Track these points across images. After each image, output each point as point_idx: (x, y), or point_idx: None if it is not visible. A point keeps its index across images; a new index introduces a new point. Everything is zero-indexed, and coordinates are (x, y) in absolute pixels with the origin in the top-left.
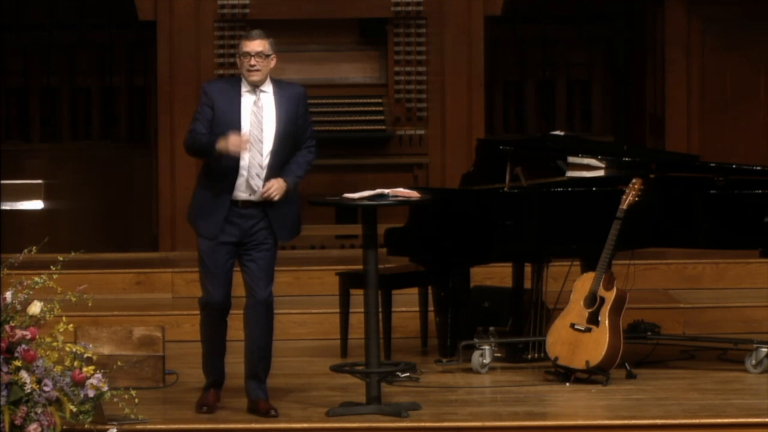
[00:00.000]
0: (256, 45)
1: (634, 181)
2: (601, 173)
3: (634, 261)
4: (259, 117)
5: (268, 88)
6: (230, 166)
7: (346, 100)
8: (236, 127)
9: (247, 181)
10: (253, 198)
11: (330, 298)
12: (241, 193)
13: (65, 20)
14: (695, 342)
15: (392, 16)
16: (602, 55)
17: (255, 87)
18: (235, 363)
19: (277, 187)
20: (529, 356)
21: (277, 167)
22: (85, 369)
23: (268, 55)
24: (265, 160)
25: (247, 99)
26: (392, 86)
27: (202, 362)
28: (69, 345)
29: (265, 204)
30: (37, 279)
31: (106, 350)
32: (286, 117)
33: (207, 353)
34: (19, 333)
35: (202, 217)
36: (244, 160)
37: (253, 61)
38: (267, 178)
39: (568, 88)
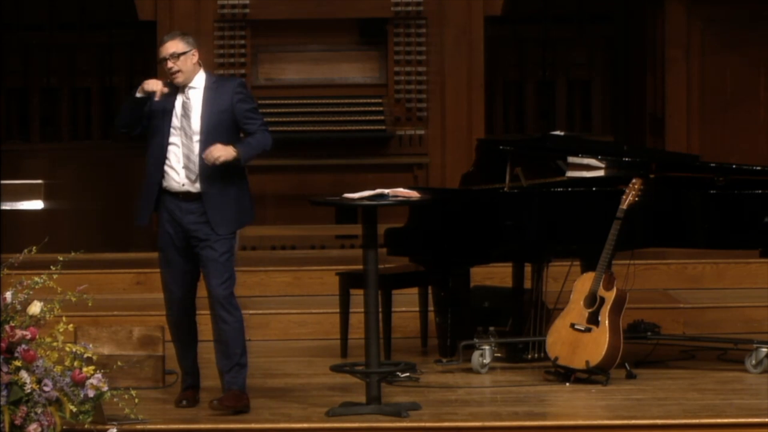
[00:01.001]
0: (169, 48)
1: (634, 181)
2: (601, 173)
3: (634, 261)
4: (187, 112)
5: (198, 83)
6: (160, 156)
7: (346, 100)
8: (167, 123)
9: (184, 174)
10: (191, 189)
11: (330, 298)
12: (177, 184)
13: (65, 20)
14: (695, 342)
15: (392, 16)
16: (602, 55)
17: (184, 85)
18: None
19: (220, 148)
20: (529, 356)
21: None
22: (85, 369)
23: (183, 53)
24: (197, 152)
25: (179, 96)
26: (392, 86)
27: (177, 361)
28: (69, 345)
29: (203, 196)
30: (37, 279)
31: (106, 350)
32: (214, 108)
33: (178, 354)
34: (19, 333)
35: (141, 204)
36: (178, 154)
37: (169, 64)
38: (202, 169)
39: (568, 88)
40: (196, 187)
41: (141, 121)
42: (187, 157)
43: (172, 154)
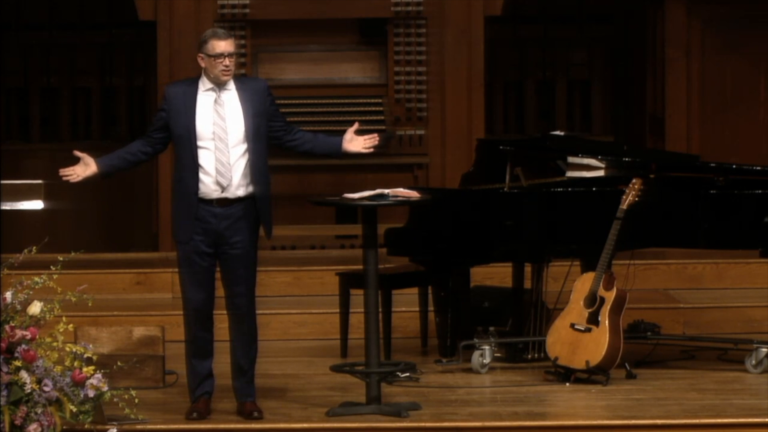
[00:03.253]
0: (230, 45)
1: (634, 181)
2: (601, 173)
3: (634, 261)
4: (221, 115)
5: (230, 85)
6: (191, 166)
7: (346, 100)
8: (191, 127)
9: (216, 180)
10: (227, 195)
11: (330, 298)
12: (213, 192)
13: (65, 20)
14: (695, 342)
15: (392, 16)
16: (602, 55)
17: (218, 86)
18: (226, 363)
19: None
20: (529, 356)
21: (254, 164)
22: (85, 369)
23: (235, 54)
24: (232, 158)
25: (206, 98)
26: (392, 86)
27: (187, 370)
28: (69, 345)
29: (246, 201)
30: (37, 279)
31: (106, 350)
32: (254, 112)
33: (192, 370)
34: (19, 333)
35: (176, 221)
36: (210, 160)
37: (227, 62)
38: (244, 175)
39: (568, 88)
40: (231, 193)
41: (140, 157)
42: (221, 163)
43: (205, 161)
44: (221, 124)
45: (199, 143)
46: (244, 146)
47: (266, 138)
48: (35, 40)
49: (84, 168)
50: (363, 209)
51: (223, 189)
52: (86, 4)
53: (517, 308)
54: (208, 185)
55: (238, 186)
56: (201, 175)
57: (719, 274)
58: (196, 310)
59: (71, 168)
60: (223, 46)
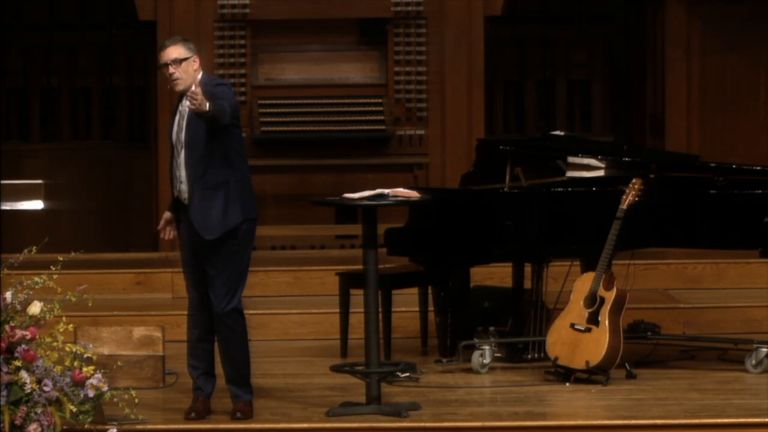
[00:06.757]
0: (170, 53)
1: (634, 181)
2: (601, 173)
3: (634, 261)
4: (180, 125)
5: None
6: (171, 170)
7: (346, 100)
8: (169, 135)
9: (176, 186)
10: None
11: (330, 298)
12: (181, 196)
13: (65, 20)
14: (695, 342)
15: (392, 16)
16: (602, 55)
17: (183, 96)
18: None
19: (202, 96)
20: (529, 356)
21: (190, 171)
22: (85, 369)
23: (185, 59)
24: (181, 166)
25: (180, 107)
26: (392, 86)
27: (189, 369)
28: (69, 345)
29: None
30: (37, 279)
31: (106, 350)
32: (193, 116)
33: (190, 357)
34: (19, 333)
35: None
36: (174, 167)
37: (171, 70)
38: (189, 184)
39: (568, 88)
40: (187, 199)
41: None
42: (174, 171)
43: (174, 168)
44: (179, 134)
45: (173, 152)
46: (189, 156)
47: (210, 143)
48: (35, 40)
49: (168, 224)
50: (363, 209)
51: (182, 195)
52: (86, 4)
53: (517, 308)
54: (174, 190)
55: (188, 193)
56: (174, 181)
57: (719, 274)
58: (189, 305)
59: (164, 232)
60: (164, 56)
